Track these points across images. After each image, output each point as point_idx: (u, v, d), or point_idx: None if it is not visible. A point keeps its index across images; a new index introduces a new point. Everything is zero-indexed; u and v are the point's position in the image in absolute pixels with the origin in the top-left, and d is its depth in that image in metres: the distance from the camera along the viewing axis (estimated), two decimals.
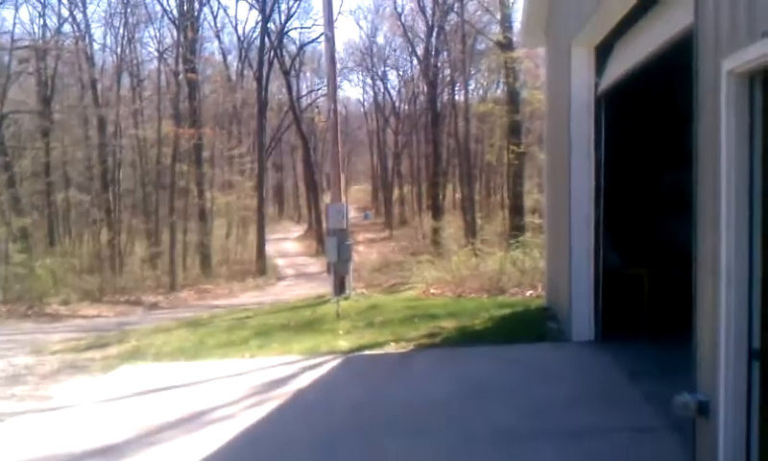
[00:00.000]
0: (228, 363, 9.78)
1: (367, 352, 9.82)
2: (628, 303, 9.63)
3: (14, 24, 34.36)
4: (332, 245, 16.00)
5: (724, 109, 3.90)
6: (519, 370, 8.37)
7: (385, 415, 6.98)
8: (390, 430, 6.49)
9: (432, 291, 16.70)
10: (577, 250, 9.36)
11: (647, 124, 10.28)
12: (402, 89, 58.28)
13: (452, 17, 39.75)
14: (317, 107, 53.23)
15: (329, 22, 17.04)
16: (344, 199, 17.22)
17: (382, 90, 60.48)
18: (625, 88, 8.66)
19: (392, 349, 9.94)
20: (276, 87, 53.35)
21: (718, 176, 3.97)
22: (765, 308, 3.81)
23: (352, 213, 64.18)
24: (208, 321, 14.71)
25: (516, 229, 26.52)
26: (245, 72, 49.19)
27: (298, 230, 62.14)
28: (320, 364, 9.27)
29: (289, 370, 9.05)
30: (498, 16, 31.33)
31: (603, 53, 9.00)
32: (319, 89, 54.87)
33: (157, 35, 41.09)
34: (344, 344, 10.40)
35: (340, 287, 16.38)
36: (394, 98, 59.78)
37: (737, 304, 3.89)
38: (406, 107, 57.87)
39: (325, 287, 19.22)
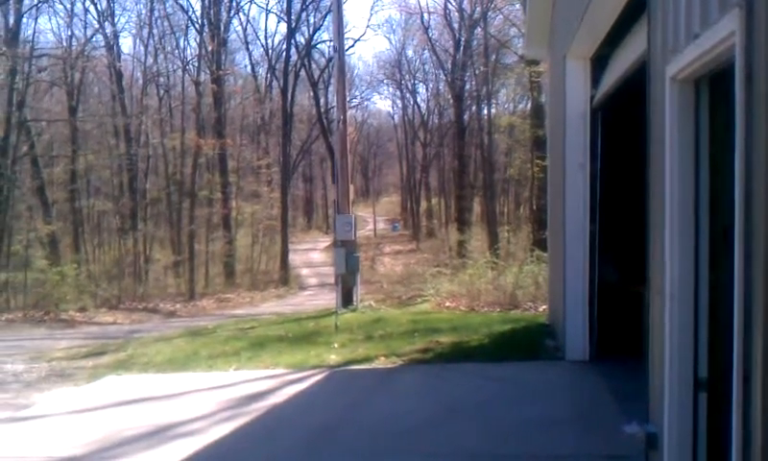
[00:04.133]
0: (211, 375, 9.61)
1: (353, 367, 9.58)
2: (626, 321, 9.27)
3: (34, 33, 34.52)
4: (340, 256, 15.81)
5: (668, 118, 3.62)
6: (503, 389, 8.06)
7: (351, 436, 6.73)
8: (351, 453, 6.23)
9: (447, 304, 16.46)
10: (571, 265, 9.04)
11: (645, 136, 9.93)
12: (431, 102, 58.03)
13: (479, 32, 39.46)
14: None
15: (339, 34, 16.89)
16: (352, 210, 16.98)
17: (412, 103, 60.37)
18: (621, 100, 8.36)
19: (380, 364, 9.68)
20: (306, 99, 53.41)
21: (663, 189, 3.68)
22: (713, 336, 3.50)
23: (381, 224, 64.42)
24: (211, 331, 14.54)
25: (538, 243, 26.05)
26: (273, 84, 49.27)
27: (326, 240, 61.99)
28: (303, 378, 9.05)
29: (270, 383, 8.84)
30: (523, 31, 30.96)
31: (599, 64, 8.71)
32: (348, 101, 54.79)
33: (182, 45, 41.51)
34: (334, 358, 10.17)
35: (348, 299, 16.17)
36: (423, 111, 59.58)
37: (682, 330, 3.59)
38: (435, 119, 57.65)
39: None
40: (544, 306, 14.12)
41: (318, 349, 10.95)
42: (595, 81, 8.91)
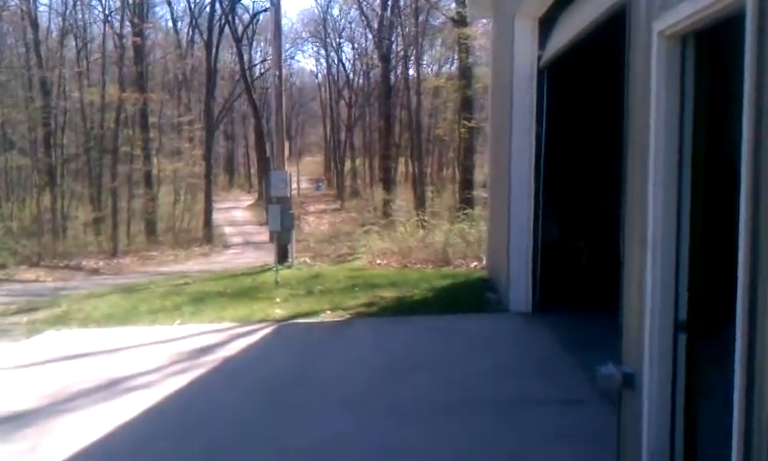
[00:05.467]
0: (156, 329, 9.51)
1: (300, 321, 9.62)
2: (567, 275, 9.60)
3: None
4: (275, 213, 15.64)
5: (654, 73, 3.74)
6: (453, 340, 8.25)
7: (309, 387, 6.79)
8: (312, 402, 6.29)
9: (378, 262, 16.59)
10: (516, 221, 9.26)
11: (588, 97, 10.17)
12: (357, 62, 57.68)
13: None
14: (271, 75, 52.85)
15: None
16: (287, 167, 16.88)
17: (336, 62, 59.86)
18: (567, 61, 8.55)
19: (327, 317, 9.75)
20: (228, 56, 52.43)
21: (647, 142, 3.81)
22: (692, 279, 3.69)
23: (304, 184, 63.98)
24: (144, 287, 14.31)
25: (465, 202, 26.48)
26: (195, 38, 48.09)
27: (248, 199, 61.30)
28: (251, 332, 9.05)
29: (219, 337, 8.82)
30: None
31: (547, 25, 8.85)
32: (272, 59, 54.31)
33: None
34: (279, 312, 10.18)
35: (283, 256, 16.12)
36: (348, 70, 59.19)
37: (664, 276, 3.75)
38: (360, 79, 57.39)
39: (272, 256, 18.96)
40: (475, 263, 14.45)
41: (260, 303, 10.93)
42: (542, 42, 9.06)
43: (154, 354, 8.07)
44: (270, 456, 5.21)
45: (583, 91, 10.13)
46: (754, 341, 2.66)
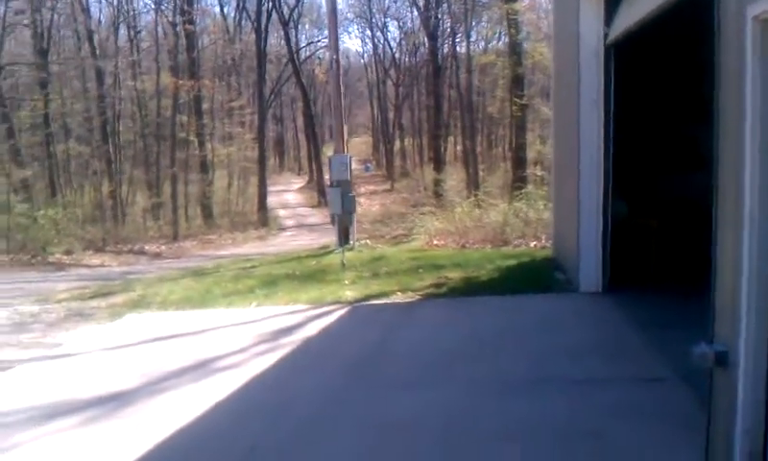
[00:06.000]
0: (234, 312, 9.81)
1: (373, 302, 9.84)
2: (637, 253, 9.63)
3: None
4: (336, 196, 15.90)
5: (749, 59, 3.78)
6: (528, 320, 8.37)
7: (392, 365, 7.00)
8: (398, 380, 6.49)
9: (435, 242, 16.72)
10: (585, 200, 9.29)
11: (657, 75, 10.15)
12: (403, 41, 57.52)
13: None
14: (318, 58, 53.21)
15: None
16: (346, 150, 17.10)
17: (382, 42, 59.78)
18: (636, 38, 8.52)
19: (398, 299, 9.94)
20: (275, 39, 52.84)
21: (742, 126, 3.87)
22: None
23: (353, 165, 64.10)
24: (213, 270, 14.70)
25: (519, 180, 26.44)
26: (243, 23, 48.61)
27: (299, 181, 61.96)
28: (326, 313, 9.29)
29: (296, 319, 9.07)
30: None
31: (612, 2, 8.85)
32: (318, 41, 54.91)
33: None
34: (350, 293, 10.40)
35: (344, 238, 16.36)
36: (394, 50, 59.07)
37: (761, 256, 3.83)
38: (407, 58, 57.24)
39: (328, 238, 19.28)
40: (534, 242, 14.50)
41: (330, 286, 11.17)
42: (607, 19, 9.06)
43: (236, 336, 8.36)
44: (360, 430, 5.41)
45: (652, 69, 10.11)
46: None
